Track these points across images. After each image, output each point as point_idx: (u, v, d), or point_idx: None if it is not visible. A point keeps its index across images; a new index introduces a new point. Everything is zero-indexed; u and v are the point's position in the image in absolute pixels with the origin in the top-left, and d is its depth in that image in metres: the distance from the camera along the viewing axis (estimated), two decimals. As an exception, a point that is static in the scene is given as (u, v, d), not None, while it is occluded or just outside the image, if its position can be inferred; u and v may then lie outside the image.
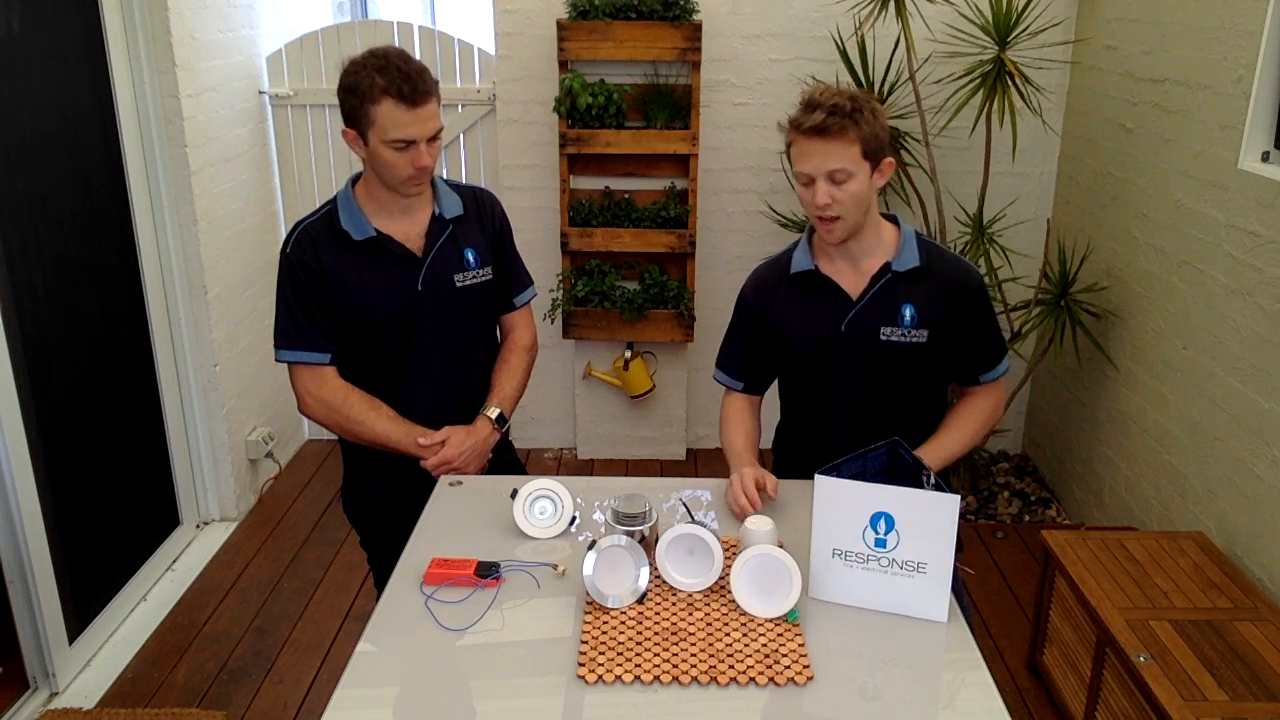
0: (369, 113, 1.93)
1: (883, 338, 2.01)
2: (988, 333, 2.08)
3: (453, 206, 2.14)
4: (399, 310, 2.09)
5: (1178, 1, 3.09)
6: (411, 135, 1.94)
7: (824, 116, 1.85)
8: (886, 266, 2.01)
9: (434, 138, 1.98)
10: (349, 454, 2.26)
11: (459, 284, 2.13)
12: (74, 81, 3.08)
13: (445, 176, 2.15)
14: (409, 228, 2.10)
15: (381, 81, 1.90)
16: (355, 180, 2.12)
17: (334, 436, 2.24)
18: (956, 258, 2.09)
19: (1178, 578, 2.59)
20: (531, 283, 2.36)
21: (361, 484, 2.25)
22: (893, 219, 2.07)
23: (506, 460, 2.34)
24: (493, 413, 2.21)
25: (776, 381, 2.24)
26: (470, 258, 2.15)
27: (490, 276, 2.20)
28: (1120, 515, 3.42)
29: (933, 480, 1.68)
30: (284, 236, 2.13)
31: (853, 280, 2.03)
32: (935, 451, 2.03)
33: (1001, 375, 2.12)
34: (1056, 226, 3.94)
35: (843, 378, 2.05)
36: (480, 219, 2.20)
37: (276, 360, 2.13)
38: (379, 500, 2.24)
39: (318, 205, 2.18)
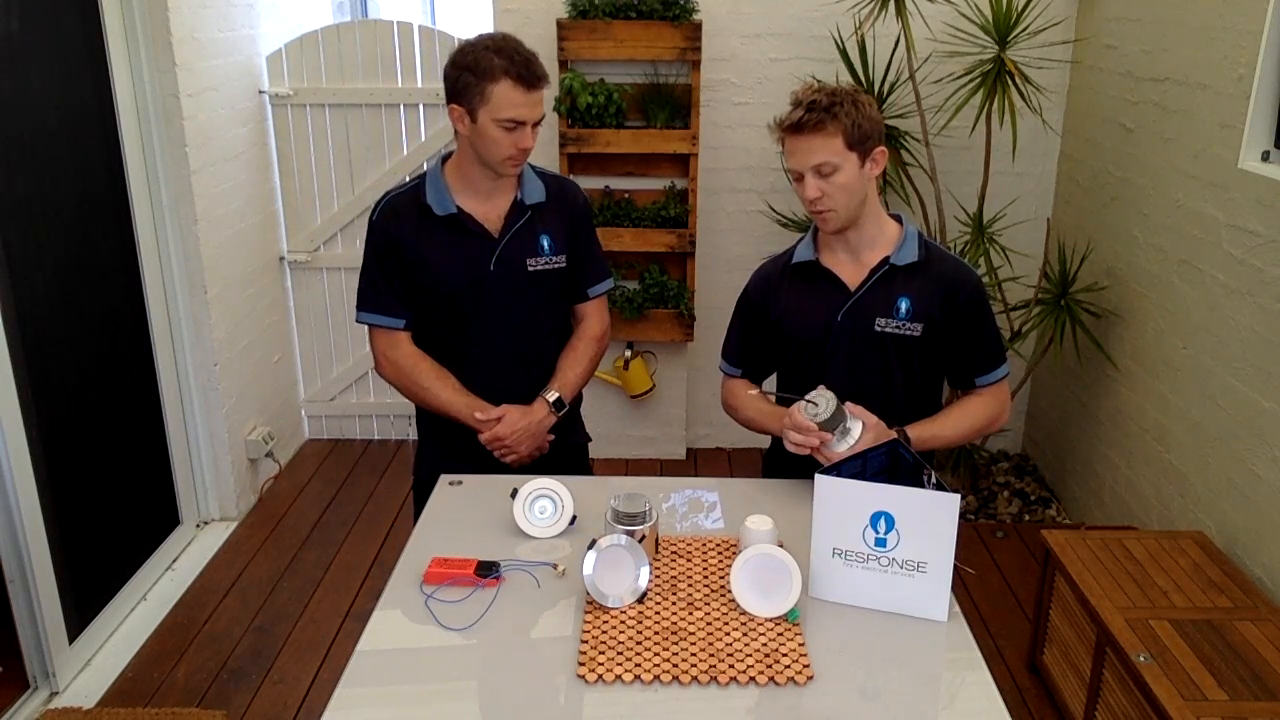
0: (485, 90, 2.00)
1: (877, 328, 2.03)
2: (984, 335, 2.09)
3: (535, 193, 2.20)
4: (467, 286, 2.16)
5: (1178, 1, 3.09)
6: (522, 117, 2.03)
7: (802, 113, 1.91)
8: (885, 260, 2.04)
9: (537, 123, 2.07)
10: (420, 419, 2.37)
11: (531, 268, 2.20)
12: (74, 81, 3.08)
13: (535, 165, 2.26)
14: (490, 209, 2.17)
15: (502, 62, 2.00)
16: (446, 159, 2.20)
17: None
18: (957, 259, 2.11)
19: (1178, 578, 2.59)
20: (609, 275, 2.40)
21: (444, 438, 2.31)
22: (897, 218, 2.10)
23: (572, 444, 2.38)
24: (551, 396, 2.24)
25: (774, 386, 2.26)
26: (545, 244, 2.21)
27: (564, 264, 2.24)
28: (1120, 515, 3.42)
29: (933, 480, 1.68)
30: (372, 214, 2.23)
31: (852, 272, 2.06)
32: (923, 429, 2.03)
33: (1000, 379, 2.12)
34: (1056, 226, 3.94)
35: (838, 368, 2.07)
36: (561, 207, 2.25)
37: (357, 321, 2.25)
38: (458, 453, 2.28)
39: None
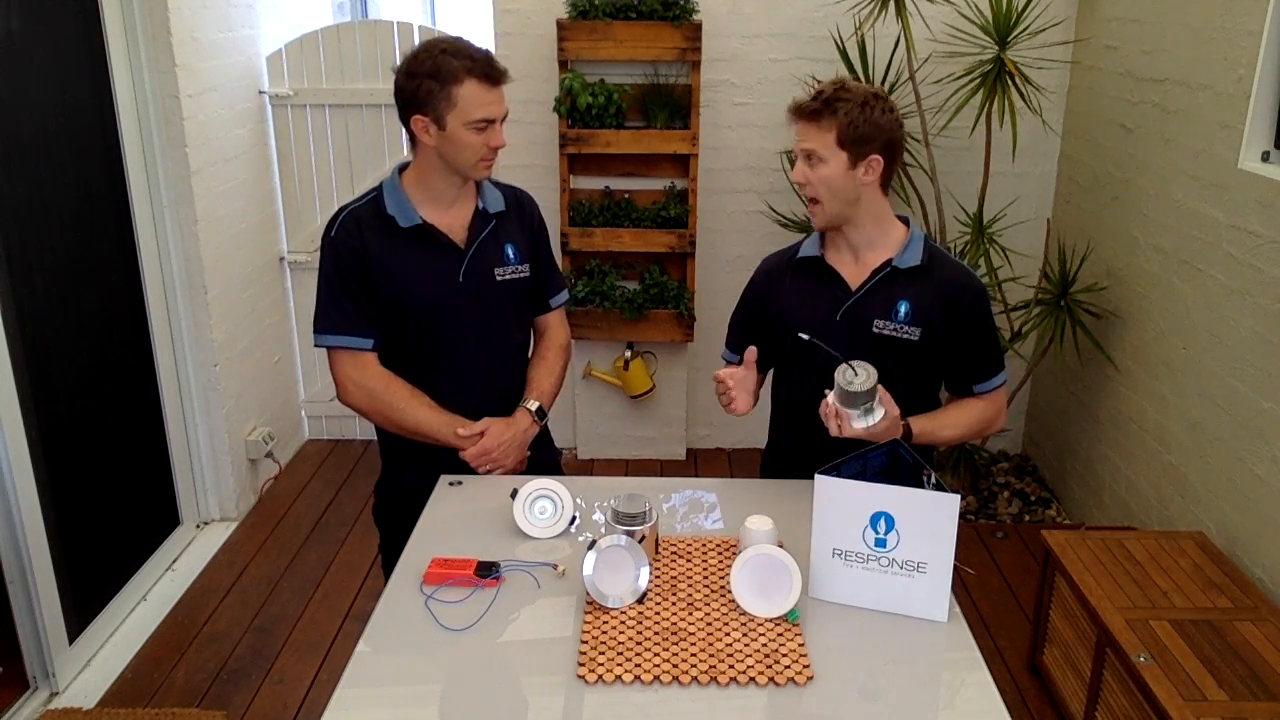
0: (451, 95, 1.97)
1: (875, 329, 2.03)
2: (983, 343, 2.08)
3: (495, 202, 2.17)
4: (439, 299, 2.11)
5: (1178, 1, 3.09)
6: (492, 114, 2.01)
7: (807, 100, 1.95)
8: (888, 262, 2.04)
9: (504, 119, 2.05)
10: (387, 449, 2.26)
11: (499, 277, 2.16)
12: (74, 81, 3.08)
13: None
14: (453, 219, 2.13)
15: (463, 63, 1.96)
16: (401, 169, 2.15)
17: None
18: (960, 265, 2.11)
19: (1178, 578, 2.59)
20: (566, 286, 2.38)
21: (401, 479, 2.24)
22: (904, 220, 2.09)
23: (546, 461, 2.32)
24: (532, 405, 2.22)
25: (771, 382, 2.26)
26: (510, 253, 2.18)
27: (527, 274, 2.22)
28: (1120, 515, 3.42)
29: (933, 480, 1.68)
30: (328, 221, 2.14)
31: (854, 272, 2.07)
32: (923, 423, 2.02)
33: (997, 388, 2.12)
34: (1056, 226, 3.94)
35: (834, 365, 2.06)
36: (521, 217, 2.23)
37: (316, 345, 2.12)
38: (414, 498, 2.18)
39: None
